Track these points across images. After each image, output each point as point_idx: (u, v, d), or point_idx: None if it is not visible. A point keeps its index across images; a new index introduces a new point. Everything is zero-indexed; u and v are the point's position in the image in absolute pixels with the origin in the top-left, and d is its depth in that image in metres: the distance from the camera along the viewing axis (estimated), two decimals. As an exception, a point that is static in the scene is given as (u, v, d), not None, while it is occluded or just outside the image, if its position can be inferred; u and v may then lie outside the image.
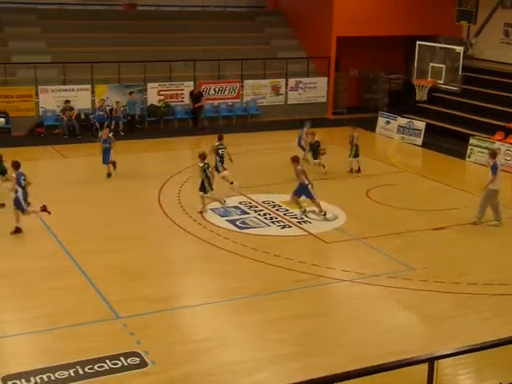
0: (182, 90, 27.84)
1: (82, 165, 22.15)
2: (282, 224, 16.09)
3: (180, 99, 28.05)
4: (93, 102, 26.94)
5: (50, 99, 26.35)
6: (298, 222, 16.12)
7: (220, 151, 18.17)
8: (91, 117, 26.42)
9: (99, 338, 10.47)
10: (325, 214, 16.37)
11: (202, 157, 16.39)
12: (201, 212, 16.40)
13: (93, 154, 20.42)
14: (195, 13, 32.98)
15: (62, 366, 9.56)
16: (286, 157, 17.42)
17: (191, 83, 28.48)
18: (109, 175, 19.41)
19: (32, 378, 9.24)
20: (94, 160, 19.79)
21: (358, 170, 20.51)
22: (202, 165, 16.31)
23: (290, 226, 15.95)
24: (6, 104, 25.68)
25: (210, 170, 16.50)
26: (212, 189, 16.50)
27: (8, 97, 25.76)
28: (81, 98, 26.68)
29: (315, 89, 30.60)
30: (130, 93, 27.08)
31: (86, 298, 11.90)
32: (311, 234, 15.50)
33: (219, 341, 10.57)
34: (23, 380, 9.21)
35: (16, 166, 15.09)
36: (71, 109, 25.94)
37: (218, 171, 17.93)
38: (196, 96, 27.40)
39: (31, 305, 11.55)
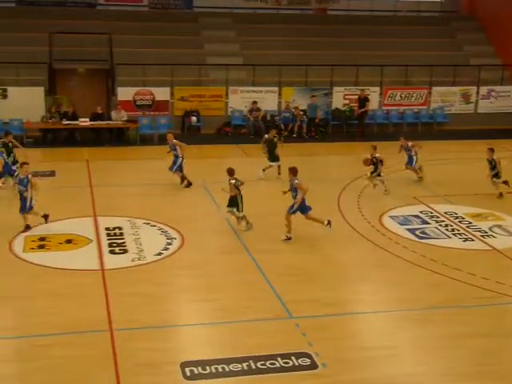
0: (368, 95, 27.64)
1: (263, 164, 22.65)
2: (465, 237, 15.47)
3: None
4: (279, 103, 27.54)
5: (239, 100, 27.30)
6: (482, 236, 15.43)
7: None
8: (277, 118, 27.04)
9: (272, 336, 10.65)
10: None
11: (231, 173, 15.21)
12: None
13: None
14: (386, 17, 32.66)
15: (235, 358, 9.84)
16: (471, 168, 16.74)
17: (377, 88, 28.25)
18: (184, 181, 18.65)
19: (208, 367, 9.59)
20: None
21: None
22: (233, 182, 15.11)
23: (472, 240, 15.30)
24: (199, 103, 26.96)
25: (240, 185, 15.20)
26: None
27: (201, 96, 27.03)
28: (268, 100, 27.41)
29: (509, 98, 29.13)
30: (312, 96, 27.35)
31: (261, 295, 12.16)
32: (496, 249, 14.76)
33: (391, 351, 10.36)
34: (200, 368, 9.59)
35: None
36: (258, 110, 26.71)
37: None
38: (362, 100, 27.05)
39: (212, 297, 12.00)
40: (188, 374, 9.45)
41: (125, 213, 16.18)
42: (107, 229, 15.24)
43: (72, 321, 10.89)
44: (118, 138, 25.27)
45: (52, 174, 19.98)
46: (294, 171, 14.99)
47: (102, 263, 13.36)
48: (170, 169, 18.58)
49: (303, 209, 14.90)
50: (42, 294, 11.92)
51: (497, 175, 18.18)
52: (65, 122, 24.64)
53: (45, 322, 10.85)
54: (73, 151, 23.28)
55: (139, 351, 10.01)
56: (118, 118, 25.27)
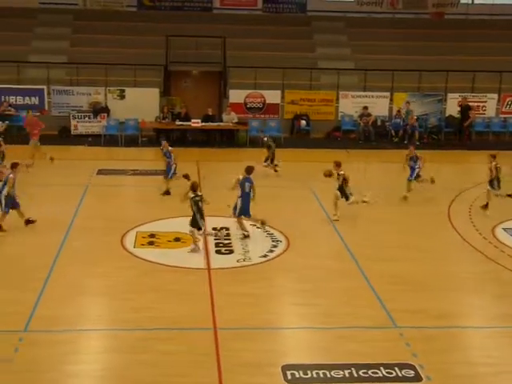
0: (485, 102, 26.76)
1: (373, 170, 22.38)
2: None
3: (481, 111, 26.98)
4: (390, 109, 27.11)
5: (349, 104, 27.09)
6: None
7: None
8: (387, 124, 26.62)
9: (375, 344, 10.47)
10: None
11: (194, 187, 14.05)
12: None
13: (387, 161, 20.51)
14: (506, 21, 31.49)
15: (337, 365, 9.73)
16: None
17: (495, 95, 27.29)
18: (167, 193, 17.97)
19: (309, 372, 9.54)
20: (388, 167, 19.84)
21: None
22: (192, 196, 13.96)
23: None
24: (308, 107, 26.96)
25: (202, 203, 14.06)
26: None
27: (311, 100, 27.02)
28: (379, 105, 27.05)
29: None
30: (406, 102, 26.72)
31: (365, 302, 11.99)
32: None
33: (497, 368, 9.94)
34: (301, 372, 9.55)
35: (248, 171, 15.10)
36: (369, 115, 26.40)
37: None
38: (464, 109, 26.09)
39: (315, 301, 11.94)
40: (289, 377, 9.44)
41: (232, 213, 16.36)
42: (214, 229, 15.47)
43: (177, 317, 11.12)
44: (227, 139, 25.64)
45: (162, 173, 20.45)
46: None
47: (208, 262, 13.58)
48: (166, 176, 18.23)
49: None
50: (149, 289, 12.23)
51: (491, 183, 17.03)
52: (177, 122, 25.26)
53: (150, 316, 11.12)
54: (184, 151, 23.73)
55: (241, 351, 10.08)
56: (229, 119, 25.65)
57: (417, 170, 18.18)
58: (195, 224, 13.96)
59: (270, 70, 27.14)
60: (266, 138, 20.93)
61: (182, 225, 15.36)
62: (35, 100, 26.22)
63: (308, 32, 30.46)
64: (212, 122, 25.54)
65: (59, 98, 26.27)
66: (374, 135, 26.06)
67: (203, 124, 25.17)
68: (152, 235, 14.94)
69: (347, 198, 16.34)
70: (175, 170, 18.24)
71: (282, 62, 27.21)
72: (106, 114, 25.89)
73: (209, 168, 20.92)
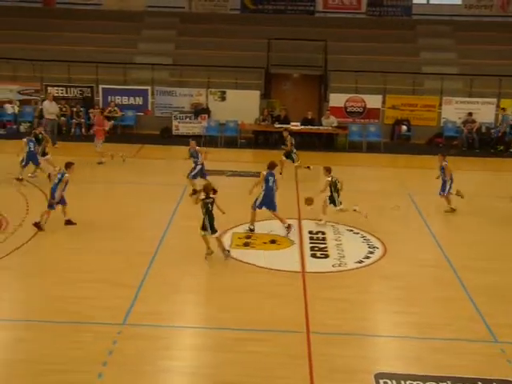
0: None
1: (469, 179, 21.70)
2: None
3: None
4: (496, 116, 26.24)
5: (453, 110, 26.43)
6: None
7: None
8: (492, 131, 25.78)
9: (472, 358, 10.11)
10: None
11: (206, 190, 13.46)
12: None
13: (490, 170, 19.86)
14: None
15: (432, 377, 9.45)
16: None
17: None
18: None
19: (402, 382, 9.32)
20: (491, 176, 19.19)
21: None
22: (203, 198, 13.42)
23: None
24: (410, 112, 26.48)
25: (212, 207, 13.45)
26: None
27: (413, 105, 26.52)
28: (484, 112, 26.23)
29: None
30: (501, 108, 25.71)
31: (463, 314, 11.60)
32: None
33: None
34: (394, 381, 9.33)
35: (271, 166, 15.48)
36: (473, 121, 25.64)
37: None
38: None
39: (411, 310, 11.67)
40: (382, 386, 9.27)
41: (328, 218, 16.25)
42: (310, 232, 15.41)
43: (269, 318, 11.12)
44: (326, 143, 25.51)
45: (259, 175, 20.53)
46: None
47: (303, 266, 13.52)
48: (191, 176, 17.97)
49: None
50: (242, 289, 12.30)
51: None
52: (276, 125, 25.34)
53: (242, 316, 11.18)
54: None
55: (334, 356, 9.97)
56: (328, 123, 25.51)
57: (448, 184, 16.79)
58: (204, 228, 13.50)
59: (371, 74, 26.83)
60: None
61: (278, 227, 15.40)
62: (139, 100, 26.98)
63: (412, 36, 29.92)
64: (311, 125, 25.47)
65: (162, 98, 26.92)
66: (478, 142, 25.28)
67: (302, 127, 25.14)
68: (248, 236, 15.02)
69: (335, 205, 15.84)
70: (203, 170, 18.08)
71: (384, 66, 26.83)
72: (206, 115, 26.33)
73: (305, 171, 20.84)
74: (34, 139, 19.18)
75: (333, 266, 13.58)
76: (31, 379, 9.25)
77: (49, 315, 11.04)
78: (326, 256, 14.07)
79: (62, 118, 25.45)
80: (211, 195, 13.49)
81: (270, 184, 15.30)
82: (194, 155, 18.13)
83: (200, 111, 26.49)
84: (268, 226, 15.65)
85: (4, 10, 30.84)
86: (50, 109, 23.25)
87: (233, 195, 17.01)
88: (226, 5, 31.86)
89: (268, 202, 15.27)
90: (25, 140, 19.04)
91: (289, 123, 25.23)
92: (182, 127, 26.32)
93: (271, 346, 10.23)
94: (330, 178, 15.90)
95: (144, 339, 10.36)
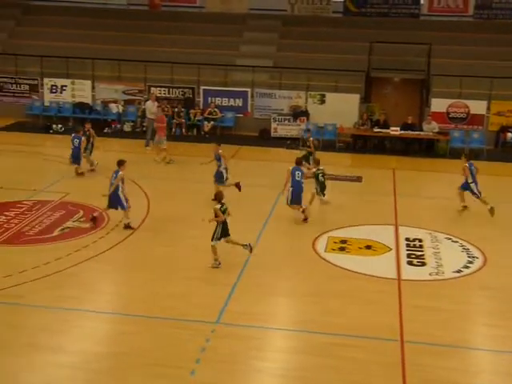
0: None
1: None
2: None
3: None
4: None
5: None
6: None
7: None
8: None
9: None
10: None
11: (218, 198, 13.45)
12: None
13: None
14: None
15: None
16: None
17: None
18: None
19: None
20: None
21: None
22: (219, 206, 13.22)
23: None
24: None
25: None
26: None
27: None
28: None
29: None
30: None
31: None
32: None
33: None
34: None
35: None
36: None
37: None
38: None
39: (509, 323, 11.26)
40: (477, 400, 8.98)
41: (427, 225, 15.90)
42: (407, 239, 15.12)
43: (363, 325, 10.99)
44: (427, 149, 24.96)
45: (358, 179, 20.41)
46: None
47: (398, 273, 13.27)
48: (219, 182, 17.46)
49: None
50: (336, 294, 12.21)
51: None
52: (376, 129, 25.02)
53: (336, 321, 11.09)
54: (381, 159, 23.53)
55: (429, 367, 9.74)
56: (429, 129, 24.96)
57: (471, 186, 16.96)
58: (216, 237, 13.19)
59: (476, 79, 26.03)
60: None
61: (375, 232, 15.20)
62: (239, 102, 27.26)
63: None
64: (411, 130, 24.97)
65: (262, 100, 27.09)
66: None
67: (402, 132, 24.69)
68: (343, 241, 14.90)
69: (324, 195, 16.79)
70: (223, 175, 17.62)
71: (490, 71, 25.98)
72: (305, 118, 26.31)
73: (405, 177, 20.47)
74: (80, 136, 19.67)
75: (430, 274, 13.26)
76: (131, 371, 9.52)
77: (148, 310, 11.32)
78: (423, 264, 13.75)
79: (164, 118, 26.05)
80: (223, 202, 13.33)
81: (298, 178, 15.95)
82: (217, 158, 17.87)
83: (299, 114, 26.50)
84: (364, 231, 15.48)
85: (113, 12, 31.89)
86: (152, 109, 23.84)
87: (328, 199, 16.93)
88: (329, 8, 31.72)
89: (297, 197, 15.90)
90: (72, 136, 19.62)
91: (388, 128, 24.85)
92: (280, 129, 26.40)
93: (364, 353, 10.10)
94: (314, 170, 16.95)
95: (237, 339, 10.46)
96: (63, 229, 15.07)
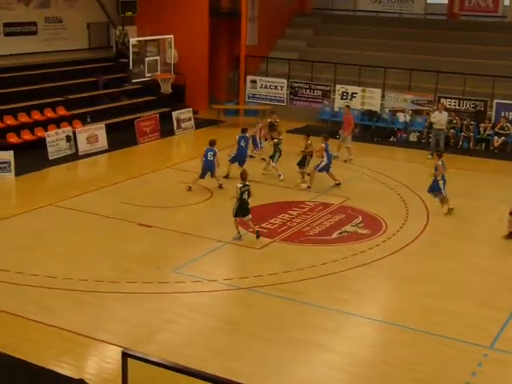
0: None
1: None
2: None
3: None
4: None
5: None
6: None
7: None
8: None
9: None
10: None
11: (243, 177, 14.65)
12: None
13: None
14: None
15: None
16: None
17: None
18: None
19: None
20: None
21: None
22: (241, 186, 14.44)
23: None
24: None
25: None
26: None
27: None
28: None
29: None
30: None
31: None
32: None
33: None
34: None
35: None
36: None
37: None
38: None
39: None
40: None
41: None
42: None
43: None
44: None
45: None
46: None
47: None
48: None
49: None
50: None
51: None
52: None
53: None
54: None
55: None
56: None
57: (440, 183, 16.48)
58: (237, 213, 14.41)
59: None
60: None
61: None
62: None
63: None
64: None
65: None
66: None
67: None
68: None
69: (303, 166, 18.56)
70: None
71: None
72: None
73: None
74: (246, 136, 19.39)
75: None
76: (391, 382, 9.43)
77: (416, 323, 11.13)
78: None
79: (451, 130, 25.33)
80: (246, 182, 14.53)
81: (331, 153, 18.52)
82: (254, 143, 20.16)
83: None
84: None
85: (409, 21, 31.81)
86: (441, 120, 23.32)
87: None
88: None
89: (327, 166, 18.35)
90: (238, 137, 19.20)
91: None
92: None
93: None
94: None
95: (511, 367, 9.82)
96: (342, 232, 15.41)
